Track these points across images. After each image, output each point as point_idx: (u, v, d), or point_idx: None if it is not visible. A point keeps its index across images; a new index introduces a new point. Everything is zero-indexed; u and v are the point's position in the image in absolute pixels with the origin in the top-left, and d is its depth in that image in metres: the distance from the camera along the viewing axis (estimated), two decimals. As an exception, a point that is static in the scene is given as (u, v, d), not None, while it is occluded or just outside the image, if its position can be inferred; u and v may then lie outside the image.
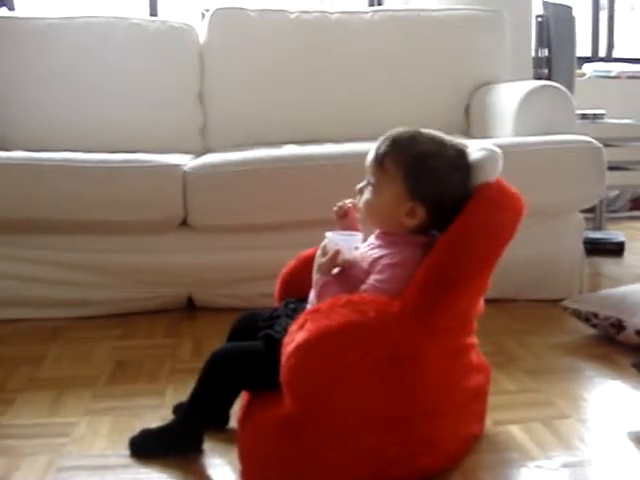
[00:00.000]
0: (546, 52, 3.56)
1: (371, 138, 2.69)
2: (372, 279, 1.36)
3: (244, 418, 1.41)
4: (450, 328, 1.33)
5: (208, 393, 1.42)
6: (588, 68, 4.16)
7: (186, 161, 2.34)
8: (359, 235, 1.49)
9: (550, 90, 2.54)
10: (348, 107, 2.96)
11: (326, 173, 2.27)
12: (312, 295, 1.48)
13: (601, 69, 4.06)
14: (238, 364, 1.40)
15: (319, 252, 1.47)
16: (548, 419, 1.61)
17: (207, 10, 2.98)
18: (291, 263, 1.70)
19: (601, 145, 2.36)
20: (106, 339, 2.15)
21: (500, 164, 1.40)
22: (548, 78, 3.48)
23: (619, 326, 2.01)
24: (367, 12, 2.99)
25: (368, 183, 1.42)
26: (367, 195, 1.41)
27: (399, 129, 1.42)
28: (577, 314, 2.13)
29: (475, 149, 1.41)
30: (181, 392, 1.74)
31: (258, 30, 2.90)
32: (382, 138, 1.42)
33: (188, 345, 2.10)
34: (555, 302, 2.28)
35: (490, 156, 1.39)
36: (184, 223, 2.28)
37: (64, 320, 2.29)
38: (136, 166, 2.22)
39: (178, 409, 1.63)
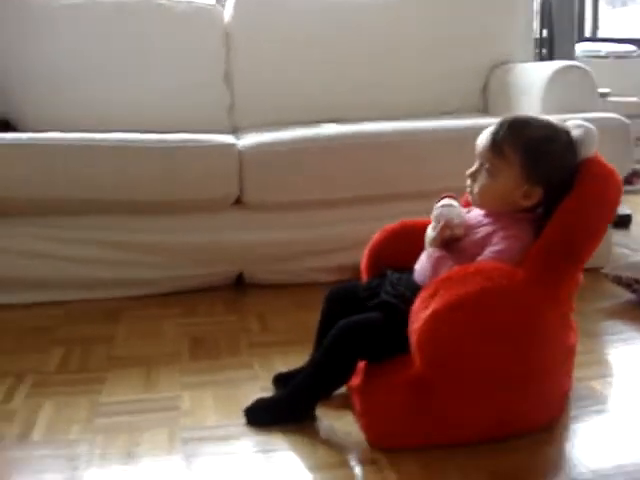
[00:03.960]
0: (545, 33, 3.68)
1: (391, 118, 2.83)
2: (488, 251, 1.44)
3: (366, 383, 1.48)
4: (565, 294, 1.43)
5: (332, 364, 1.48)
6: (576, 48, 4.30)
7: (236, 140, 2.37)
8: (460, 207, 1.57)
9: (575, 70, 2.66)
10: (368, 88, 3.01)
11: (374, 150, 2.34)
12: (419, 266, 1.55)
13: (590, 49, 4.20)
14: (363, 336, 1.46)
15: (430, 226, 1.55)
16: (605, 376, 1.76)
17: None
18: (377, 236, 1.77)
19: (629, 121, 2.48)
20: (169, 317, 2.18)
21: (597, 139, 1.50)
22: (550, 58, 3.60)
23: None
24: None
25: (482, 167, 1.48)
26: (483, 180, 1.47)
27: (512, 114, 1.50)
28: (617, 280, 2.26)
29: (572, 126, 1.50)
30: (267, 365, 1.81)
31: (284, 10, 2.93)
32: (497, 123, 1.48)
33: (254, 321, 2.15)
34: (593, 270, 2.40)
35: (589, 133, 1.48)
36: (237, 201, 2.32)
37: (119, 300, 2.30)
38: (194, 145, 2.24)
39: (280, 380, 1.68)
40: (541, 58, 3.62)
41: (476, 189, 1.48)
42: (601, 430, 1.50)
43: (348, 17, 2.99)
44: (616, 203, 1.42)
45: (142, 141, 2.23)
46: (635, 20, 5.01)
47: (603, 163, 1.47)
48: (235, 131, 2.78)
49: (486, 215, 1.51)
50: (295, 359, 1.81)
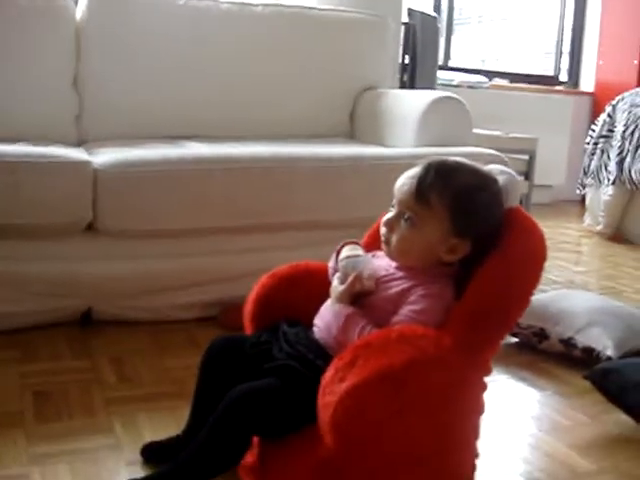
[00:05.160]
0: (407, 59, 3.64)
1: (253, 137, 2.63)
2: (406, 310, 1.27)
3: (263, 463, 1.27)
4: (488, 357, 1.30)
5: (222, 441, 1.23)
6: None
7: (89, 157, 2.07)
8: (369, 256, 1.41)
9: (451, 102, 2.59)
10: (230, 102, 2.80)
11: (248, 175, 2.14)
12: (320, 322, 1.36)
13: (444, 77, 4.24)
14: (260, 407, 1.24)
15: (335, 280, 1.36)
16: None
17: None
18: (266, 281, 1.55)
19: (506, 158, 2.45)
20: (4, 362, 1.84)
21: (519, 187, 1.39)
22: (411, 85, 3.57)
23: (542, 335, 2.10)
24: (257, 5, 2.84)
25: (401, 216, 1.31)
26: (403, 231, 1.30)
27: (435, 158, 1.34)
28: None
29: (495, 173, 1.38)
30: (131, 428, 1.56)
31: (143, 12, 2.63)
32: (421, 168, 1.31)
33: (107, 367, 1.86)
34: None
35: (514, 181, 1.37)
36: (89, 227, 2.02)
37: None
38: (40, 161, 1.92)
39: (151, 451, 1.43)
40: (402, 85, 3.58)
41: (394, 241, 1.31)
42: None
43: (213, 27, 2.75)
44: (544, 259, 1.31)
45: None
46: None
47: (526, 215, 1.35)
48: (81, 143, 2.46)
49: (399, 267, 1.35)
50: (164, 420, 1.58)
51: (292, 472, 1.22)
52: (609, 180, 3.80)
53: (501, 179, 1.35)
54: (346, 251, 1.40)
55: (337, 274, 1.38)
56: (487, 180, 1.32)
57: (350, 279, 1.32)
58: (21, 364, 1.84)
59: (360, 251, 1.40)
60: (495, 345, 1.27)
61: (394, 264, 1.35)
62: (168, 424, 1.55)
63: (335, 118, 2.97)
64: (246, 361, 1.38)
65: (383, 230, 1.33)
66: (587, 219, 4.08)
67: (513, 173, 1.38)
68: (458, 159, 1.34)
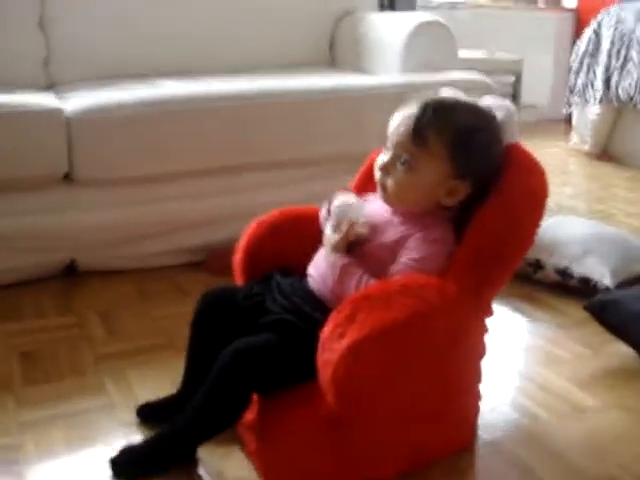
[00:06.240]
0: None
1: (227, 71, 2.52)
2: (406, 257, 1.22)
3: (264, 420, 1.23)
4: (490, 300, 1.25)
5: (222, 399, 1.19)
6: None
7: (60, 103, 1.96)
8: (362, 202, 1.34)
9: (436, 26, 2.48)
10: (201, 35, 2.65)
11: (229, 114, 2.05)
12: (315, 271, 1.31)
13: (423, -1, 4.08)
14: (259, 363, 1.19)
15: (328, 229, 1.30)
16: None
17: None
18: (253, 230, 1.49)
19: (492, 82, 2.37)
20: (-12, 323, 1.78)
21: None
22: (390, 6, 3.43)
23: (537, 265, 2.06)
24: None
25: (397, 159, 1.24)
26: (399, 174, 1.23)
27: (431, 96, 1.25)
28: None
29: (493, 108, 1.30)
30: (123, 385, 1.52)
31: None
32: (417, 108, 1.22)
33: (95, 322, 1.80)
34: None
35: (511, 116, 1.29)
36: (66, 177, 1.93)
37: None
38: (9, 111, 1.81)
39: (147, 411, 1.39)
40: (382, 6, 3.44)
41: (391, 185, 1.24)
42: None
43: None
44: (546, 197, 1.25)
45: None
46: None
47: (526, 151, 1.29)
48: (51, 87, 2.33)
49: (395, 212, 1.28)
50: (155, 375, 1.55)
51: (294, 429, 1.18)
52: (595, 99, 3.72)
53: (499, 115, 1.28)
54: (338, 198, 1.33)
55: (329, 222, 1.31)
56: (486, 117, 1.24)
57: (344, 227, 1.26)
58: (5, 323, 1.78)
59: (353, 198, 1.33)
60: (499, 288, 1.22)
61: (389, 209, 1.29)
62: (160, 378, 1.51)
63: (313, 46, 2.84)
64: (239, 314, 1.33)
65: (378, 175, 1.26)
66: (574, 138, 4.00)
67: (510, 106, 1.30)
68: (455, 97, 1.26)
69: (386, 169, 1.24)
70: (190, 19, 2.61)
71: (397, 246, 1.23)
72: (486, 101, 1.30)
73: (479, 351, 1.29)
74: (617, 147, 3.77)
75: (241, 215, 2.14)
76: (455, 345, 1.19)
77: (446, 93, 1.30)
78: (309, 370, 1.18)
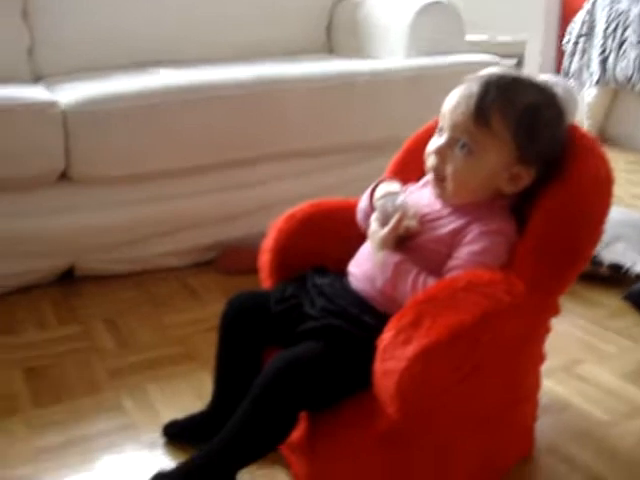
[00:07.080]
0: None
1: (223, 58, 2.38)
2: (464, 251, 1.09)
3: (314, 440, 1.10)
4: (557, 301, 1.14)
5: (267, 419, 1.05)
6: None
7: (53, 96, 1.81)
8: (407, 192, 1.22)
9: (442, 6, 2.36)
10: (196, 21, 2.50)
11: (234, 104, 1.91)
12: (358, 270, 1.19)
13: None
14: (308, 377, 1.06)
15: (374, 224, 1.17)
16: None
17: None
18: (282, 226, 1.35)
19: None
20: (-16, 336, 1.64)
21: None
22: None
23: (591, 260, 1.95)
24: None
25: (455, 143, 1.10)
26: (458, 160, 1.09)
27: (490, 72, 1.13)
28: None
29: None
30: (143, 403, 1.39)
31: None
32: (478, 83, 1.09)
33: (102, 331, 1.67)
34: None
35: (573, 94, 1.19)
36: (63, 176, 1.78)
37: None
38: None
39: (174, 431, 1.26)
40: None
41: (450, 173, 1.11)
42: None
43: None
44: (612, 182, 1.13)
45: None
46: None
47: (584, 132, 1.17)
48: (38, 79, 2.18)
49: (445, 202, 1.16)
50: (176, 389, 1.43)
51: (349, 447, 1.06)
52: (592, 81, 3.64)
53: (559, 92, 1.16)
54: (382, 188, 1.21)
55: (374, 216, 1.19)
56: (552, 96, 1.12)
57: (394, 220, 1.13)
58: (4, 337, 1.63)
59: (397, 187, 1.21)
60: (569, 284, 1.10)
61: (435, 197, 1.17)
62: (182, 393, 1.40)
63: (310, 32, 2.71)
64: (272, 320, 1.20)
65: (433, 161, 1.13)
66: (569, 122, 3.93)
67: (567, 83, 1.19)
68: (513, 72, 1.14)
69: (441, 154, 1.11)
70: (182, 6, 2.47)
71: (452, 239, 1.11)
72: (543, 78, 1.18)
73: (541, 354, 1.18)
74: (613, 129, 3.69)
75: (250, 211, 2.04)
76: (523, 347, 1.08)
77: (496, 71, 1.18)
78: (361, 381, 1.06)
